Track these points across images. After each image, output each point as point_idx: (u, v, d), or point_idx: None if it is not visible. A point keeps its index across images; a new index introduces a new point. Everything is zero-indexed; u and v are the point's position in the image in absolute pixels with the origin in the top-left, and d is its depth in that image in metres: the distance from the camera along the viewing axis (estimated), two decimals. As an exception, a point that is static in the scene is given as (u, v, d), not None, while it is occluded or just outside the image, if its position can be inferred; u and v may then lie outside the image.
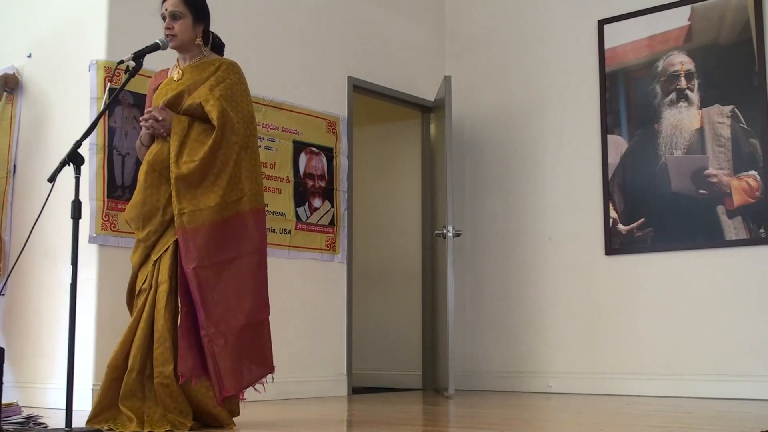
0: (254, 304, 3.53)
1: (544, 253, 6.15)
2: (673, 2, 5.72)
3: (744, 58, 5.43)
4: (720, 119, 5.47)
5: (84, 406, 3.86)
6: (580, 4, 6.16)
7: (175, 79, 3.65)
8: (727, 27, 5.53)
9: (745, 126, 5.38)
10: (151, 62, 3.81)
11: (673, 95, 5.66)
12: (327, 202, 5.70)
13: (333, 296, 5.71)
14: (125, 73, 3.46)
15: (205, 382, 3.40)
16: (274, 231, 5.26)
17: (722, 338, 5.32)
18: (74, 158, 3.11)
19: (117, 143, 4.61)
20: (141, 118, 3.61)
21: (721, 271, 5.39)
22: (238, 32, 4.95)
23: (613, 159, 5.87)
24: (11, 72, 5.11)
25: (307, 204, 5.57)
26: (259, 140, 3.96)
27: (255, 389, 3.57)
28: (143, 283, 3.50)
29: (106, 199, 4.52)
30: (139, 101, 4.57)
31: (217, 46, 3.78)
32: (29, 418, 3.41)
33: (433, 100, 6.57)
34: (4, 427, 3.18)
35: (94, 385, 4.31)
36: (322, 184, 5.70)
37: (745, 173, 5.35)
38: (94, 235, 4.46)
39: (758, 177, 5.31)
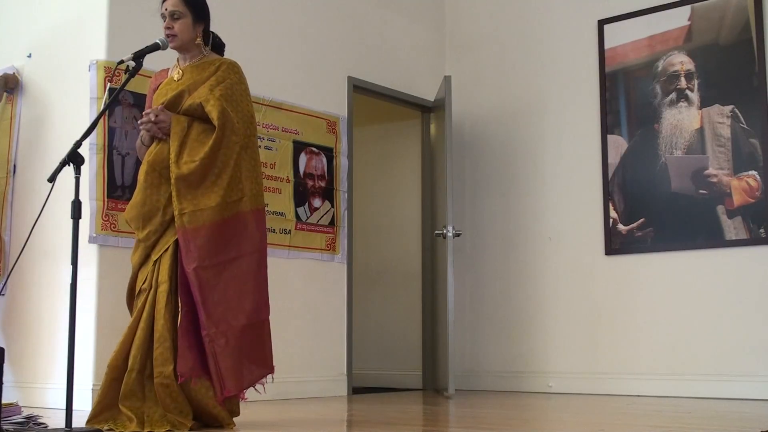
0: (255, 304, 3.53)
1: (544, 253, 6.15)
2: (673, 2, 5.72)
3: (744, 58, 5.43)
4: (720, 119, 5.47)
5: (84, 406, 3.86)
6: (580, 4, 6.16)
7: (175, 79, 3.65)
8: (727, 27, 5.53)
9: (745, 126, 5.38)
10: (151, 62, 3.81)
11: (673, 95, 5.66)
12: (327, 202, 5.70)
13: (333, 296, 5.71)
14: (125, 73, 3.46)
15: (204, 382, 3.40)
16: (274, 231, 5.26)
17: (722, 338, 5.32)
18: (74, 158, 3.11)
19: (117, 143, 4.61)
20: (139, 122, 3.60)
21: (721, 271, 5.39)
22: (238, 32, 4.95)
23: (613, 159, 5.87)
24: (11, 72, 5.11)
25: (307, 204, 5.57)
26: (259, 140, 3.96)
27: (255, 389, 3.57)
28: (143, 283, 3.50)
29: (106, 199, 4.52)
30: (139, 101, 4.57)
31: (218, 46, 3.78)
32: (29, 418, 3.41)
33: (433, 100, 6.57)
34: (4, 427, 3.18)
35: (94, 385, 4.31)
36: (322, 184, 5.70)
37: (745, 173, 5.35)
38: (94, 235, 4.46)
39: (758, 177, 5.31)
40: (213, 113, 3.49)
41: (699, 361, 5.40)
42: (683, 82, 5.63)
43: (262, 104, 5.29)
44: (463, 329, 6.39)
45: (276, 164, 5.39)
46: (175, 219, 3.43)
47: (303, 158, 5.59)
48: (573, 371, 5.91)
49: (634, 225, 5.74)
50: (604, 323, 5.82)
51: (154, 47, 3.55)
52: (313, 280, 5.58)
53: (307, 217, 5.56)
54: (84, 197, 3.66)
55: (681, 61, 5.66)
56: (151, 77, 3.95)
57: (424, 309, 6.62)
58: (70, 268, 3.05)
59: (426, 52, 6.70)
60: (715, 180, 5.44)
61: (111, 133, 4.59)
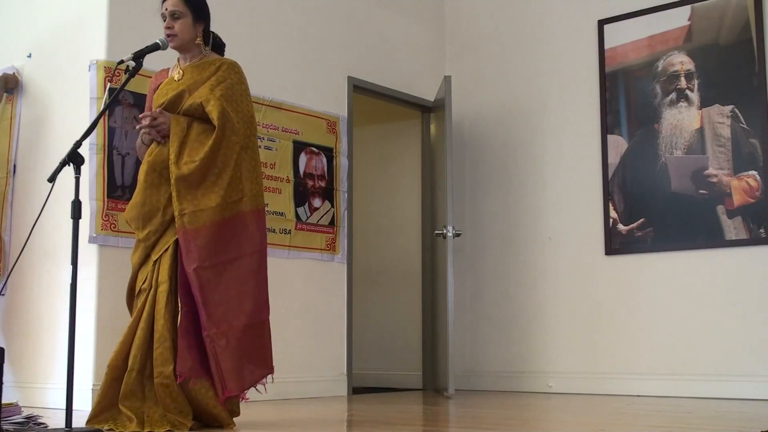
0: (255, 304, 3.53)
1: (544, 253, 6.15)
2: (673, 2, 5.72)
3: (744, 58, 5.43)
4: (720, 119, 5.47)
5: (84, 406, 3.86)
6: (580, 4, 6.16)
7: (175, 78, 3.65)
8: (727, 27, 5.53)
9: (745, 126, 5.38)
10: (151, 62, 3.81)
11: (673, 95, 5.66)
12: (327, 202, 5.70)
13: (333, 296, 5.71)
14: (125, 73, 3.46)
15: (204, 382, 3.40)
16: (274, 231, 5.26)
17: (722, 338, 5.32)
18: (74, 158, 3.11)
19: (117, 143, 4.61)
20: (137, 127, 3.60)
21: (721, 271, 5.39)
22: (238, 32, 4.95)
23: (613, 159, 5.87)
24: (11, 72, 5.11)
25: (307, 204, 5.57)
26: (259, 140, 3.96)
27: (257, 389, 3.57)
28: (143, 283, 3.50)
29: (106, 199, 4.52)
30: (139, 101, 4.57)
31: (218, 46, 3.78)
32: (29, 418, 3.41)
33: (433, 100, 6.57)
34: (4, 427, 3.18)
35: (94, 385, 4.31)
36: (322, 184, 5.70)
37: (745, 173, 5.35)
38: (94, 235, 4.46)
39: (758, 177, 5.31)
40: (213, 113, 3.49)
41: (699, 361, 5.40)
42: (683, 82, 5.63)
43: (262, 104, 5.29)
44: (463, 329, 6.39)
45: (276, 164, 5.39)
46: (176, 219, 3.43)
47: (303, 158, 5.59)
48: (573, 371, 5.91)
49: (634, 225, 5.74)
50: (604, 323, 5.82)
51: (154, 47, 3.55)
52: (313, 280, 5.58)
53: (307, 217, 5.56)
54: (84, 197, 3.66)
55: (681, 61, 5.66)
56: (151, 77, 3.95)
57: (424, 309, 6.62)
58: (70, 268, 3.05)
59: (426, 52, 6.70)
60: (715, 180, 5.44)
61: (111, 133, 4.59)
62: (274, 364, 3.61)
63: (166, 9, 3.60)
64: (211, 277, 3.41)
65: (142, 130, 3.59)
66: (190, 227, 3.41)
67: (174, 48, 3.66)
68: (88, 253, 4.42)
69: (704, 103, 5.54)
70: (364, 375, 6.67)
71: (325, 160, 5.73)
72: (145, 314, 3.43)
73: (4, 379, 3.13)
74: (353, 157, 6.05)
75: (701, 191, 5.49)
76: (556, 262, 6.08)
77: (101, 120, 4.06)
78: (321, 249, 5.63)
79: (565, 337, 5.98)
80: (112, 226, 4.52)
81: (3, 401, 3.23)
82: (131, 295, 3.59)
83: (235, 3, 5.27)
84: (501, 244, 6.37)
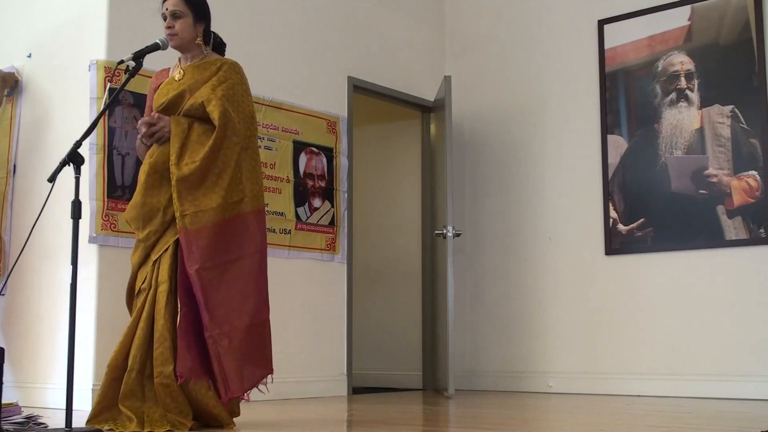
0: (257, 304, 3.53)
1: (544, 253, 6.15)
2: (673, 2, 5.72)
3: (744, 58, 5.43)
4: (720, 119, 5.47)
5: (84, 406, 3.86)
6: (580, 4, 6.16)
7: (176, 78, 3.65)
8: (727, 27, 5.53)
9: (745, 126, 5.38)
10: (151, 62, 3.81)
11: (673, 95, 5.66)
12: (327, 202, 5.70)
13: (333, 296, 5.71)
14: (125, 73, 3.46)
15: (204, 382, 3.40)
16: (274, 231, 5.26)
17: (722, 338, 5.32)
18: (74, 158, 3.11)
19: (117, 143, 4.61)
20: (139, 136, 3.60)
21: (721, 271, 5.39)
22: (238, 32, 4.95)
23: (613, 159, 5.87)
24: (11, 72, 5.11)
25: (307, 204, 5.57)
26: (259, 140, 3.96)
27: (258, 389, 3.57)
28: (143, 282, 3.50)
29: (106, 199, 4.52)
30: (139, 101, 4.58)
31: (219, 46, 3.78)
32: (29, 418, 3.41)
33: (433, 100, 6.57)
34: (4, 427, 3.18)
35: (94, 385, 4.31)
36: (322, 184, 5.70)
37: (745, 173, 5.35)
38: (94, 235, 4.46)
39: (758, 177, 5.31)
40: (214, 113, 3.50)
41: (699, 361, 5.40)
42: (683, 82, 5.63)
43: (262, 104, 5.29)
44: (463, 329, 6.39)
45: (276, 164, 5.39)
46: (177, 220, 3.43)
47: (303, 158, 5.59)
48: (573, 371, 5.91)
49: (634, 225, 5.74)
50: (604, 323, 5.82)
51: (154, 47, 3.55)
52: (313, 280, 5.58)
53: (307, 217, 5.56)
54: (84, 197, 3.66)
55: (681, 61, 5.66)
56: (151, 77, 3.95)
57: (424, 309, 6.62)
58: (70, 268, 3.05)
59: (426, 52, 6.70)
60: (715, 180, 5.44)
61: (111, 133, 4.59)
62: (273, 365, 3.61)
63: (167, 9, 3.61)
64: (213, 278, 3.41)
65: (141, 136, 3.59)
66: (191, 228, 3.41)
67: (174, 48, 3.66)
68: (88, 253, 4.42)
69: (704, 103, 5.54)
70: (364, 375, 6.67)
71: (325, 160, 5.73)
72: (144, 314, 3.43)
73: (4, 379, 3.13)
74: (353, 157, 6.05)
75: (701, 191, 5.49)
76: (556, 262, 6.08)
77: (101, 120, 4.06)
78: (321, 249, 5.63)
79: (565, 337, 5.98)
80: (112, 226, 4.52)
81: (3, 401, 3.22)
82: (131, 295, 3.60)
83: (235, 3, 5.27)
84: (501, 244, 6.37)
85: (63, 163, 3.10)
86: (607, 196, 5.87)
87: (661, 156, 5.66)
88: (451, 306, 5.66)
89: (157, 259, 3.49)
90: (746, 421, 3.90)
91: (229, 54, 3.82)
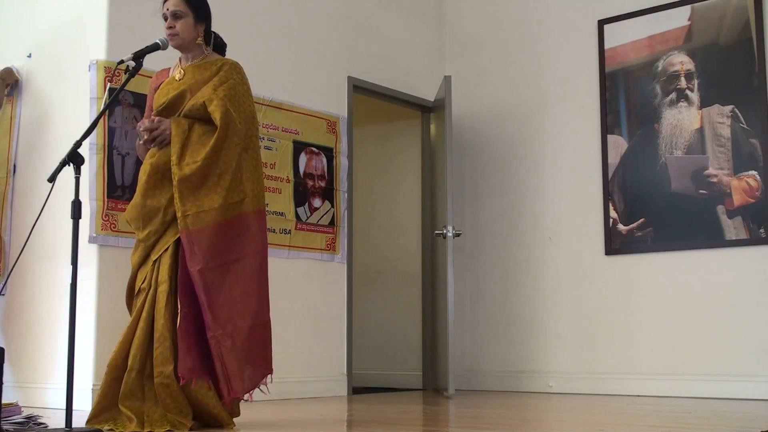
0: (259, 304, 3.53)
1: (544, 253, 6.15)
2: (673, 2, 5.72)
3: (744, 58, 5.43)
4: (720, 119, 5.47)
5: (84, 406, 3.86)
6: (580, 4, 6.16)
7: (176, 78, 3.65)
8: (727, 27, 5.53)
9: (745, 126, 5.38)
10: (151, 62, 3.81)
11: (673, 95, 5.66)
12: (327, 202, 5.70)
13: (333, 296, 5.71)
14: (125, 73, 3.46)
15: (204, 382, 3.40)
16: (274, 231, 5.26)
17: (722, 338, 5.32)
18: (74, 158, 3.11)
19: (117, 143, 4.61)
20: (141, 141, 3.60)
21: (721, 271, 5.39)
22: (238, 32, 4.94)
23: (613, 159, 5.87)
24: (9, 69, 5.11)
25: (307, 204, 5.57)
26: (259, 140, 3.96)
27: (260, 390, 3.57)
28: (142, 282, 3.51)
29: (106, 199, 4.52)
30: (139, 101, 4.58)
31: (219, 46, 3.78)
32: (29, 418, 3.41)
33: (433, 100, 6.57)
34: (4, 427, 3.18)
35: (94, 385, 4.31)
36: (322, 184, 5.70)
37: (745, 173, 5.35)
38: (94, 235, 4.46)
39: (758, 177, 5.31)
40: (216, 114, 3.49)
41: (699, 361, 5.40)
42: (683, 82, 5.63)
43: (263, 104, 5.29)
44: (463, 329, 6.39)
45: (276, 164, 5.39)
46: (179, 221, 3.43)
47: (303, 158, 5.59)
48: (573, 371, 5.91)
49: (634, 225, 5.74)
50: (604, 323, 5.82)
51: (154, 47, 3.55)
52: (313, 280, 5.58)
53: (307, 217, 5.56)
54: (84, 197, 3.66)
55: (681, 61, 5.66)
56: (151, 77, 3.96)
57: (424, 309, 6.62)
58: (70, 268, 3.05)
59: (426, 52, 6.70)
60: (715, 180, 5.44)
61: (111, 133, 4.59)
62: (273, 365, 3.61)
63: (168, 9, 3.61)
64: (215, 278, 3.41)
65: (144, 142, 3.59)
66: (193, 228, 3.41)
67: (175, 47, 3.66)
68: (88, 253, 4.42)
69: (704, 103, 5.54)
70: (364, 375, 6.67)
71: (325, 160, 5.73)
72: (144, 314, 3.43)
73: (4, 379, 3.13)
74: (353, 157, 6.05)
75: (701, 191, 5.49)
76: (556, 262, 6.08)
77: (101, 120, 4.06)
78: (321, 249, 5.63)
79: (565, 337, 5.98)
80: (112, 226, 4.52)
81: (3, 401, 3.23)
82: (131, 295, 3.60)
83: (236, 3, 5.27)
84: (501, 244, 6.37)
85: (63, 163, 3.10)
86: (607, 196, 5.87)
87: (661, 156, 5.66)
88: (451, 306, 5.66)
89: (157, 259, 3.49)
90: (746, 421, 3.90)
91: (230, 54, 3.82)
